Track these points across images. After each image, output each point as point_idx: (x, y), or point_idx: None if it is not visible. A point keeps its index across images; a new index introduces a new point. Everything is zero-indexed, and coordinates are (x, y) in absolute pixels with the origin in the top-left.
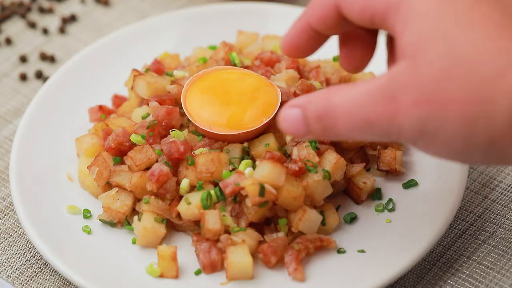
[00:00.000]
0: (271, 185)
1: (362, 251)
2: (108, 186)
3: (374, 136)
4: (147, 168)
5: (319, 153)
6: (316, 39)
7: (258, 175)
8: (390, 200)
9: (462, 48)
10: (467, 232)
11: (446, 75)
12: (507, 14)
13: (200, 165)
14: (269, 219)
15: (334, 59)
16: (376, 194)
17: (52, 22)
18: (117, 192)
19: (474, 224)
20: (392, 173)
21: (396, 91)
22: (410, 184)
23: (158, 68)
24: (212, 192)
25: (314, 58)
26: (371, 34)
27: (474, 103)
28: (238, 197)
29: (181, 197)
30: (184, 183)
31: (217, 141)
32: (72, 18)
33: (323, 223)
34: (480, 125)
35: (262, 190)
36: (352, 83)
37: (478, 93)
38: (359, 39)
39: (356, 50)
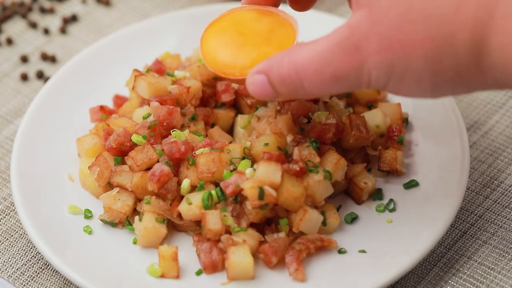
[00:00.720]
0: (269, 185)
1: (363, 251)
2: (109, 186)
3: (344, 88)
4: (148, 168)
5: (320, 153)
6: None
7: (255, 176)
8: (391, 200)
9: None
10: (468, 233)
11: (404, 19)
12: None
13: (201, 165)
14: (270, 219)
15: None
16: (377, 194)
17: (53, 22)
18: (118, 192)
19: (475, 225)
20: (393, 173)
21: (359, 41)
22: (411, 184)
23: (159, 69)
24: (213, 192)
25: None
26: None
27: (436, 41)
28: (239, 198)
29: (182, 197)
30: (185, 183)
31: (233, 81)
32: (73, 18)
33: (324, 223)
34: (444, 61)
35: (261, 193)
36: (311, 40)
37: (438, 31)
38: None
39: None
